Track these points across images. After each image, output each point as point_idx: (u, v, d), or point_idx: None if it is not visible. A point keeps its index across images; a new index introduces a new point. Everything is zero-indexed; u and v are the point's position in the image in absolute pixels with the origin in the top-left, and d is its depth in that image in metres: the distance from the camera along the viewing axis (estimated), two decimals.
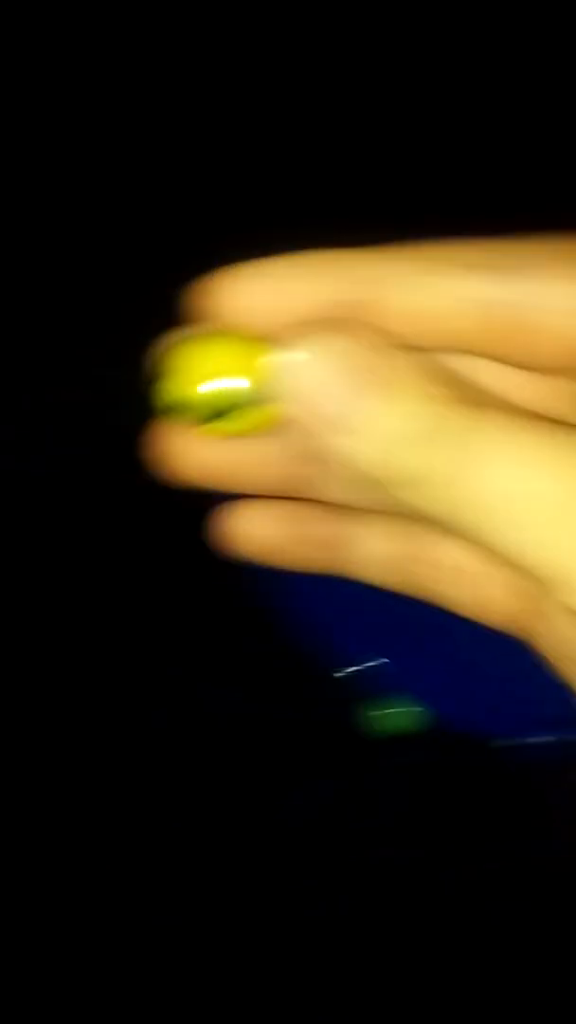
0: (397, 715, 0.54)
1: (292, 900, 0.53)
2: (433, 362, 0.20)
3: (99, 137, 0.71)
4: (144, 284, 0.51)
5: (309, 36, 0.75)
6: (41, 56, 0.73)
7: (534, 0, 0.73)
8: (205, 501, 0.23)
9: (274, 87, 0.75)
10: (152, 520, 0.57)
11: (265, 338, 0.20)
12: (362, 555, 0.23)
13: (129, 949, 0.53)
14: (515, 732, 0.54)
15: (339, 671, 0.56)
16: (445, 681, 0.56)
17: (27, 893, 0.53)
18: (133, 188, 0.69)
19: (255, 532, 0.23)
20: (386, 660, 0.56)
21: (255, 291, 0.21)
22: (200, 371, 0.21)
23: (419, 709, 0.55)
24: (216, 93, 0.74)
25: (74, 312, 0.65)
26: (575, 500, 0.18)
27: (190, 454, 0.22)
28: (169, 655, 0.57)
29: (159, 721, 0.57)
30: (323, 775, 0.56)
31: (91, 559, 0.61)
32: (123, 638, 0.58)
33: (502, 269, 0.20)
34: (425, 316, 0.21)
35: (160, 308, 0.22)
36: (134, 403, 0.21)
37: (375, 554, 0.23)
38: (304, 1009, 0.51)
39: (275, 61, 0.75)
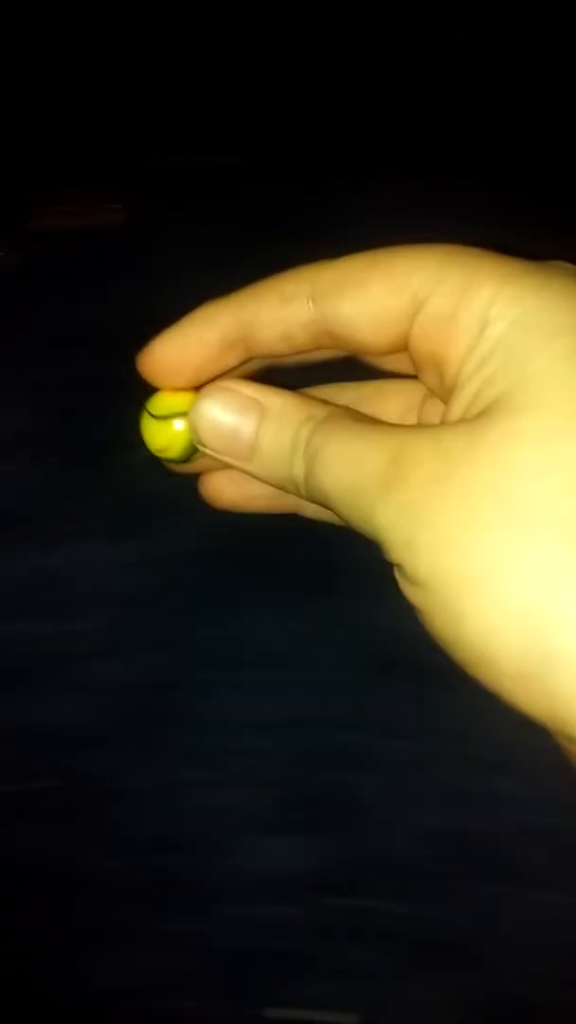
0: None
1: None
2: (294, 397, 0.31)
3: None
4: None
5: None
6: None
7: None
8: None
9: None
10: None
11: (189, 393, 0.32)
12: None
13: None
14: None
15: None
16: None
17: None
18: None
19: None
20: None
21: (170, 354, 0.32)
22: (154, 432, 0.33)
23: None
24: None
25: None
26: (393, 479, 0.26)
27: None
28: None
29: None
30: None
31: None
32: None
33: (318, 295, 0.29)
34: (278, 342, 0.31)
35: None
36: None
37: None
38: None
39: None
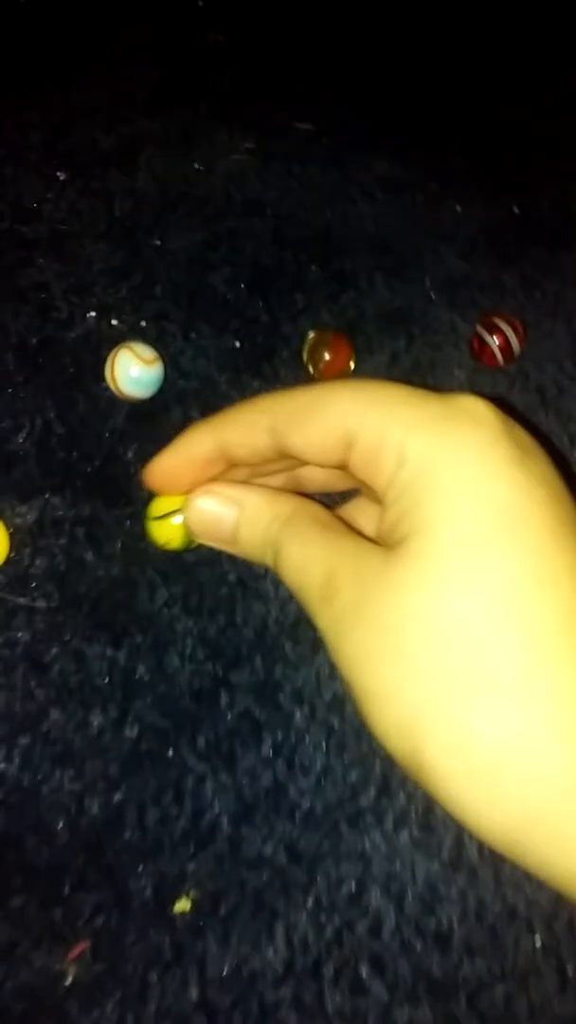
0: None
1: None
2: (266, 496, 0.38)
3: None
4: None
5: None
6: None
7: None
8: None
9: None
10: None
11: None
12: None
13: None
14: None
15: None
16: None
17: None
18: None
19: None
20: None
21: (167, 471, 0.40)
22: (157, 530, 0.45)
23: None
24: None
25: None
26: (325, 597, 0.33)
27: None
28: None
29: None
30: None
31: None
32: None
33: (274, 427, 0.36)
34: (250, 458, 0.38)
35: None
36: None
37: None
38: None
39: None
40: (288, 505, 0.37)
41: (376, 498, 0.35)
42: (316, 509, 0.37)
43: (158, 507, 0.44)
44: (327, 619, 0.32)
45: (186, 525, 0.40)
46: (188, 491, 0.40)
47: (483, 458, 0.31)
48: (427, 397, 0.33)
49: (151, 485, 0.41)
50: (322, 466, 0.36)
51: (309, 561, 0.34)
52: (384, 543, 0.33)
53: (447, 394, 0.33)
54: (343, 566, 0.33)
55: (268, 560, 0.37)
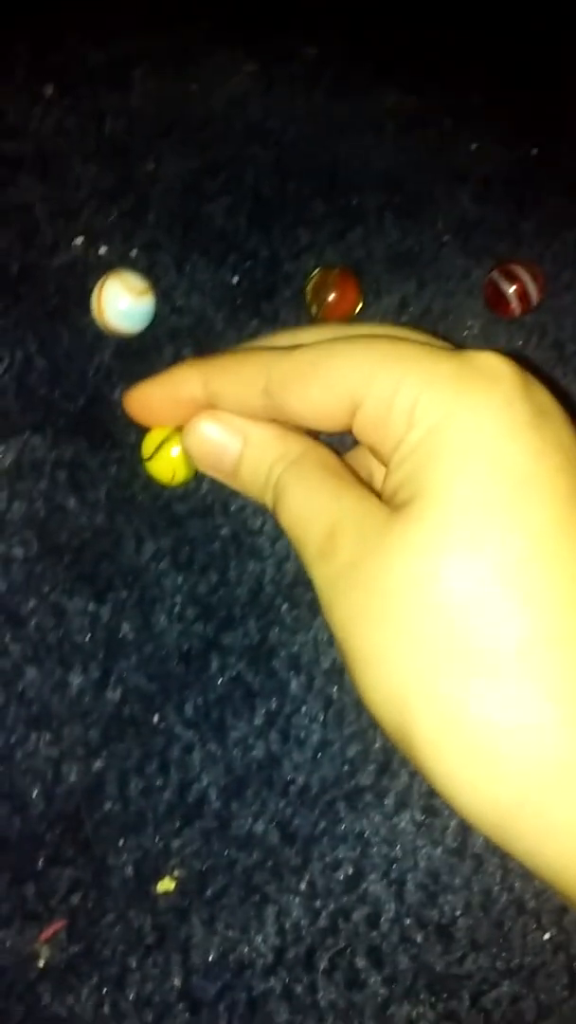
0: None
1: None
2: (274, 431, 0.35)
3: None
4: None
5: None
6: None
7: None
8: None
9: None
10: None
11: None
12: None
13: None
14: None
15: None
16: None
17: None
18: None
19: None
20: None
21: (146, 403, 0.37)
22: (156, 468, 0.40)
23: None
24: None
25: None
26: (325, 552, 0.31)
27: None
28: None
29: None
30: None
31: None
32: None
33: (270, 387, 0.33)
34: (238, 411, 0.35)
35: None
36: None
37: None
38: None
39: None
40: (297, 446, 0.35)
41: (382, 459, 0.32)
42: (326, 454, 0.35)
43: (147, 444, 0.40)
44: (324, 576, 0.31)
45: (186, 451, 0.37)
46: (170, 424, 0.38)
47: (497, 419, 0.29)
48: (442, 355, 0.31)
49: (129, 411, 0.38)
50: (320, 430, 0.34)
51: (312, 511, 0.32)
52: (388, 505, 0.31)
53: (464, 351, 0.31)
54: (346, 521, 0.31)
55: (268, 501, 0.35)
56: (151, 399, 0.37)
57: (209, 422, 0.36)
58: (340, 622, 0.30)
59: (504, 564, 0.28)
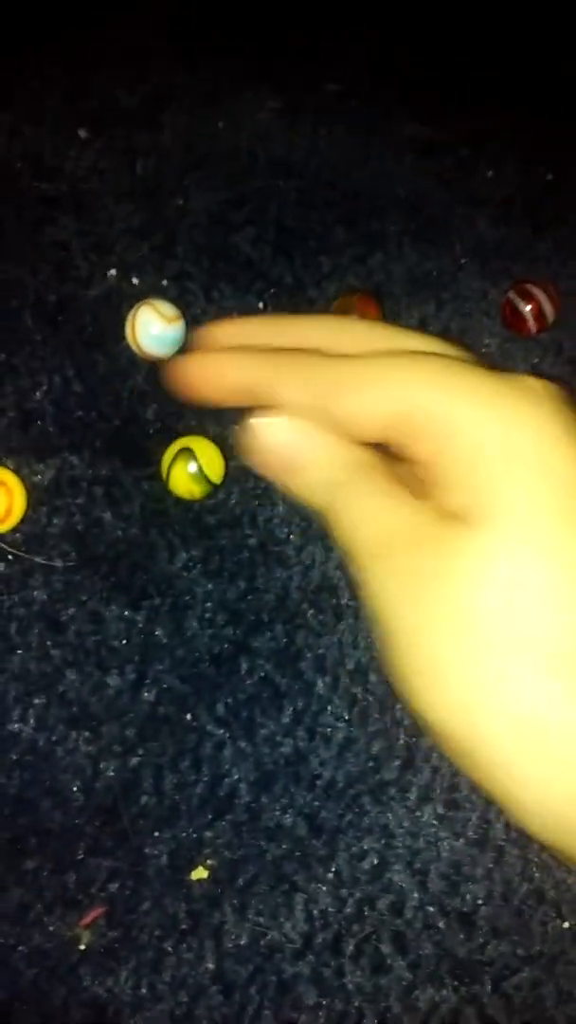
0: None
1: None
2: (340, 439, 0.33)
3: None
4: None
5: None
6: None
7: None
8: None
9: None
10: None
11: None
12: None
13: None
14: None
15: None
16: None
17: None
18: None
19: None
20: None
21: (188, 379, 0.35)
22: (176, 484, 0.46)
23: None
24: None
25: None
26: (382, 555, 0.31)
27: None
28: None
29: None
30: None
31: None
32: None
33: (314, 394, 0.33)
34: (296, 405, 0.34)
35: None
36: None
37: None
38: None
39: None
40: (358, 452, 0.34)
41: (425, 470, 0.32)
42: (380, 462, 0.35)
43: (163, 464, 0.42)
44: (379, 578, 0.31)
45: (247, 448, 0.36)
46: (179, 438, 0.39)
47: (543, 433, 0.30)
48: (488, 374, 0.31)
49: (171, 385, 0.36)
50: (357, 439, 0.34)
51: (375, 518, 0.32)
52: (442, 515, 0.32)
53: (509, 373, 0.32)
54: (408, 529, 0.31)
55: (323, 503, 0.34)
56: (190, 377, 0.36)
57: (280, 417, 0.35)
58: (397, 631, 0.30)
59: (570, 568, 0.28)
